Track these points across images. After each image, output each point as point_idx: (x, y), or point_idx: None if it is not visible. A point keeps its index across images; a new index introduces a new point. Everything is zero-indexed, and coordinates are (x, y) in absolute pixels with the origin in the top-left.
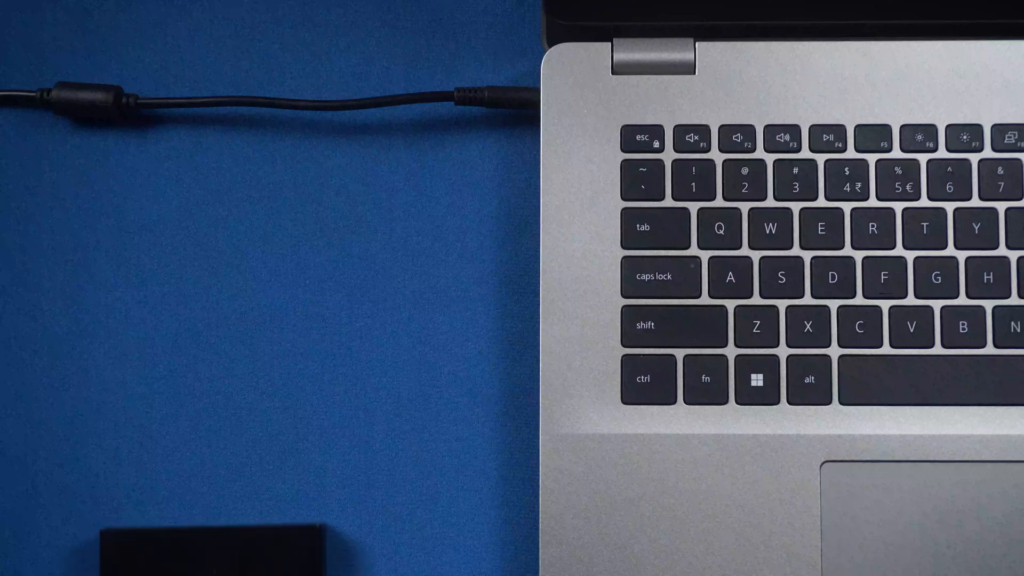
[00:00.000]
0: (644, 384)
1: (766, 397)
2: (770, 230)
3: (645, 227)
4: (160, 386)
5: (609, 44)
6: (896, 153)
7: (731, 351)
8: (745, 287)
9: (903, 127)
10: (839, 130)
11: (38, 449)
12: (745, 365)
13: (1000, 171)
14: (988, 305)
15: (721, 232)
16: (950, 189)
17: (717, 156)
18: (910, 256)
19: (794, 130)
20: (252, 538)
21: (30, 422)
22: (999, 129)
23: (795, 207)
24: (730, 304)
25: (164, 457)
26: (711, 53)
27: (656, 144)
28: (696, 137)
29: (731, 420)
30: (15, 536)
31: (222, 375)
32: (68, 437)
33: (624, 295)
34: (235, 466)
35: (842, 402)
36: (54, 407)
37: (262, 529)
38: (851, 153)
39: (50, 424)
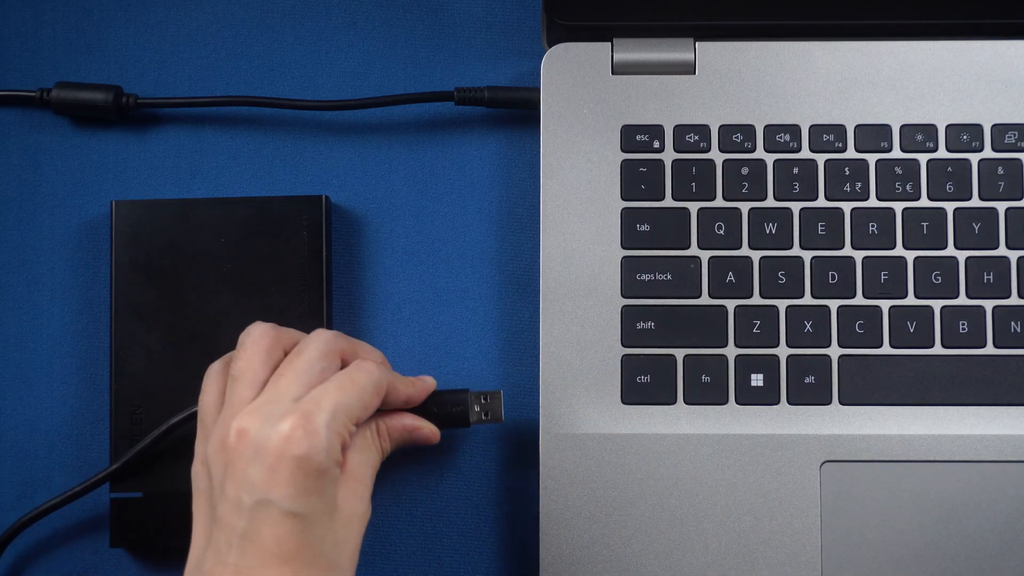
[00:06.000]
0: (644, 384)
1: (766, 397)
2: (770, 230)
3: (645, 227)
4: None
5: (609, 44)
6: (896, 153)
7: (731, 351)
8: (745, 287)
9: (903, 127)
10: (839, 130)
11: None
12: (745, 365)
13: (1000, 171)
14: (988, 305)
15: (721, 232)
16: (950, 189)
17: (717, 156)
18: (910, 256)
19: (794, 130)
20: (257, 207)
21: None
22: (999, 129)
23: (795, 207)
24: (730, 304)
25: None
26: (711, 53)
27: (656, 144)
28: (696, 137)
29: (731, 420)
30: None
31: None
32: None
33: (624, 295)
34: None
35: (842, 402)
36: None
37: (268, 199)
38: (851, 153)
39: None
